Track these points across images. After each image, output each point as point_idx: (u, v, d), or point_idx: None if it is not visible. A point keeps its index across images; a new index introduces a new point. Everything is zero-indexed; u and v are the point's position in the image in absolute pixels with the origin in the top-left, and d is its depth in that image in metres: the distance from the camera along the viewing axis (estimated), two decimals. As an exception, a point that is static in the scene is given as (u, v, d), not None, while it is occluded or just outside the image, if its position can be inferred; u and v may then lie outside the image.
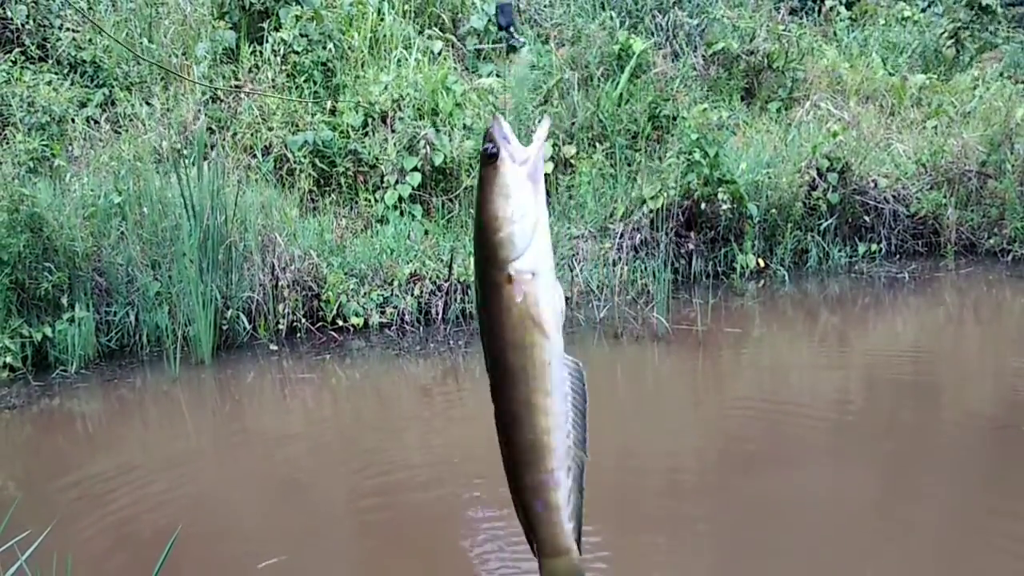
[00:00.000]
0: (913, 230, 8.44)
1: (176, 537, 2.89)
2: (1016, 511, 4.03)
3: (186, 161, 6.98)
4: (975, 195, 8.42)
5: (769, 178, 7.94)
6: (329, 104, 7.81)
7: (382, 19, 8.66)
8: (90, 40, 8.27)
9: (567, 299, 6.81)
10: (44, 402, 5.85)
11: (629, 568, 3.76)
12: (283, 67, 7.90)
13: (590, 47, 8.63)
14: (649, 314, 6.80)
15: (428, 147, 7.48)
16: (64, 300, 6.23)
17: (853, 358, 6.50)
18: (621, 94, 8.37)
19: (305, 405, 6.01)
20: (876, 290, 7.70)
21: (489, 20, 8.86)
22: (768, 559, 3.75)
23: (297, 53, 7.91)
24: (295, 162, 7.47)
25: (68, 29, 8.31)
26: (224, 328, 6.53)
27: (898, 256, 8.36)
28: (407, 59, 8.38)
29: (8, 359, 6.03)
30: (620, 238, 7.53)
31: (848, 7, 11.16)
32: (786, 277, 7.89)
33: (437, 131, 7.58)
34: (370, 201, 7.52)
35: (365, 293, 6.86)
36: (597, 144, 8.13)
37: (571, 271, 7.29)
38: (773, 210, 7.95)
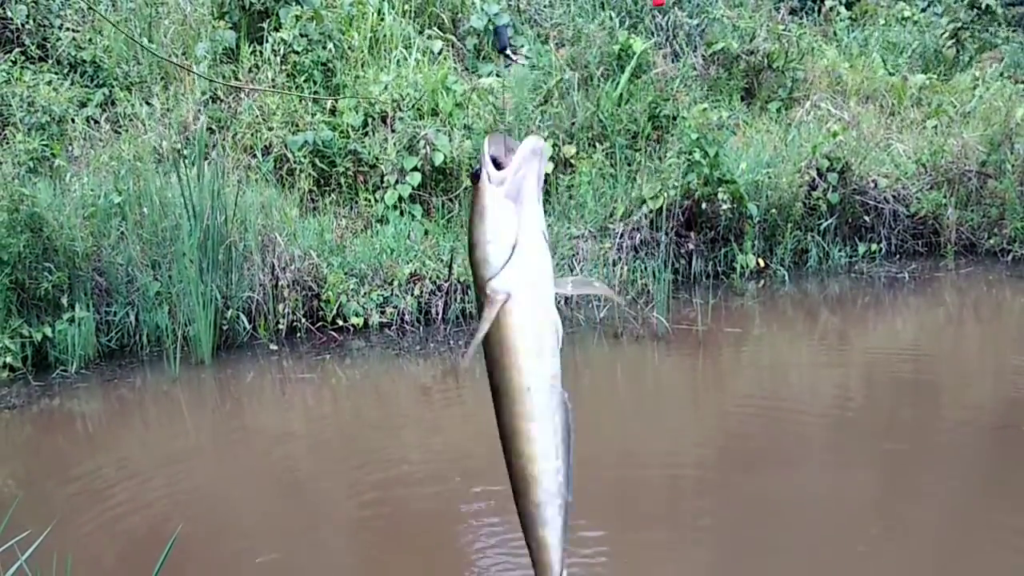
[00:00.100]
0: (913, 230, 8.44)
1: (176, 536, 2.89)
2: (1016, 511, 4.03)
3: (186, 161, 6.99)
4: (975, 195, 8.42)
5: (769, 178, 7.94)
6: (330, 104, 7.81)
7: (382, 19, 8.67)
8: (90, 40, 8.28)
9: (567, 299, 6.82)
10: (44, 402, 5.85)
11: (629, 568, 3.76)
12: (283, 67, 7.90)
13: (590, 47, 8.63)
14: (649, 314, 6.80)
15: (428, 147, 7.48)
16: (64, 300, 6.23)
17: (853, 358, 6.50)
18: (621, 94, 8.37)
19: (305, 405, 6.01)
20: (876, 290, 7.70)
21: (489, 20, 8.87)
22: (768, 557, 3.75)
23: (297, 53, 7.91)
24: (295, 162, 7.47)
25: (68, 29, 8.31)
26: (224, 328, 6.53)
27: (898, 256, 8.36)
28: (407, 59, 8.39)
29: (8, 359, 6.03)
30: (620, 238, 7.53)
31: (848, 7, 11.16)
32: (786, 277, 7.89)
33: (437, 131, 7.58)
34: (370, 201, 7.52)
35: (365, 293, 6.86)
36: (597, 144, 8.13)
37: (571, 271, 7.29)
38: (773, 210, 7.95)
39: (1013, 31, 10.71)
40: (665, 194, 7.58)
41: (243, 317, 6.61)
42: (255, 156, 7.54)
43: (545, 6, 9.55)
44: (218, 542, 4.14)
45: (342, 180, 7.59)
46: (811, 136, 8.39)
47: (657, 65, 8.83)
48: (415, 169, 7.48)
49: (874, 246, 8.30)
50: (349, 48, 8.31)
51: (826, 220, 8.14)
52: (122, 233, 6.62)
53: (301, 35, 7.93)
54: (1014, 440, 4.75)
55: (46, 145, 6.87)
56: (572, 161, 8.05)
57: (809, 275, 8.03)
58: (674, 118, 8.20)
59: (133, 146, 7.36)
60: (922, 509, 4.16)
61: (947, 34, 10.32)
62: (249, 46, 8.08)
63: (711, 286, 7.61)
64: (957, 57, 10.23)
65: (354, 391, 6.22)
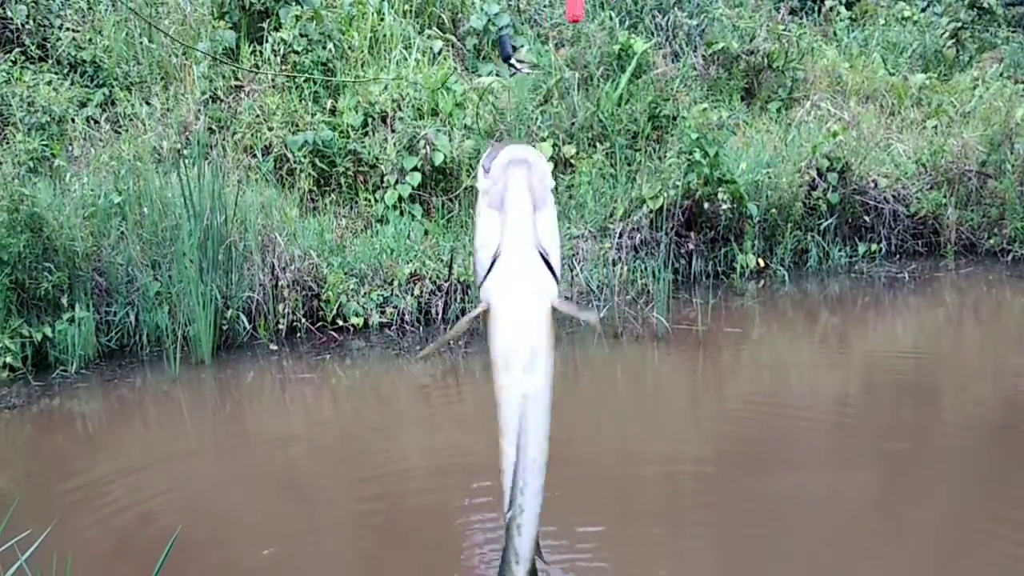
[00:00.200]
0: (913, 230, 8.44)
1: (176, 537, 2.89)
2: (1016, 511, 4.03)
3: (186, 161, 6.98)
4: (975, 195, 8.42)
5: (769, 178, 7.95)
6: (330, 104, 7.81)
7: (382, 19, 8.67)
8: (90, 40, 8.28)
9: (567, 298, 6.82)
10: (44, 402, 5.85)
11: (629, 568, 3.76)
12: (283, 67, 7.90)
13: (590, 47, 8.63)
14: (649, 314, 6.80)
15: (428, 147, 7.48)
16: (64, 300, 6.23)
17: (853, 358, 6.50)
18: (621, 94, 8.37)
19: (305, 405, 6.01)
20: (876, 290, 7.70)
21: (489, 20, 8.87)
22: (768, 558, 3.75)
23: (297, 53, 7.91)
24: (295, 162, 7.47)
25: (68, 29, 8.31)
26: (224, 328, 6.53)
27: (898, 256, 8.36)
28: (407, 59, 8.38)
29: (8, 359, 6.03)
30: (620, 238, 7.53)
31: (848, 7, 11.17)
32: (786, 277, 7.89)
33: (437, 131, 7.58)
34: (370, 201, 7.52)
35: (365, 293, 6.86)
36: (597, 144, 8.13)
37: (571, 271, 7.29)
38: (773, 210, 7.96)
39: (1013, 31, 10.71)
40: (665, 194, 7.58)
41: (243, 317, 6.61)
42: (255, 156, 7.54)
43: (545, 6, 9.55)
44: (218, 542, 4.14)
45: (342, 180, 7.59)
46: (811, 136, 8.39)
47: (657, 65, 8.83)
48: (415, 169, 7.48)
49: (874, 246, 8.31)
50: (349, 48, 8.31)
51: (826, 220, 8.15)
52: (122, 233, 6.62)
53: (301, 35, 7.93)
54: (1014, 440, 4.75)
55: (46, 145, 6.87)
56: (572, 161, 8.06)
57: (809, 275, 8.04)
58: (674, 118, 8.20)
59: (133, 146, 7.36)
60: (922, 509, 4.15)
61: (947, 34, 10.33)
62: (249, 46, 8.08)
63: (711, 286, 7.61)
64: (957, 57, 10.24)
65: (354, 391, 6.22)
